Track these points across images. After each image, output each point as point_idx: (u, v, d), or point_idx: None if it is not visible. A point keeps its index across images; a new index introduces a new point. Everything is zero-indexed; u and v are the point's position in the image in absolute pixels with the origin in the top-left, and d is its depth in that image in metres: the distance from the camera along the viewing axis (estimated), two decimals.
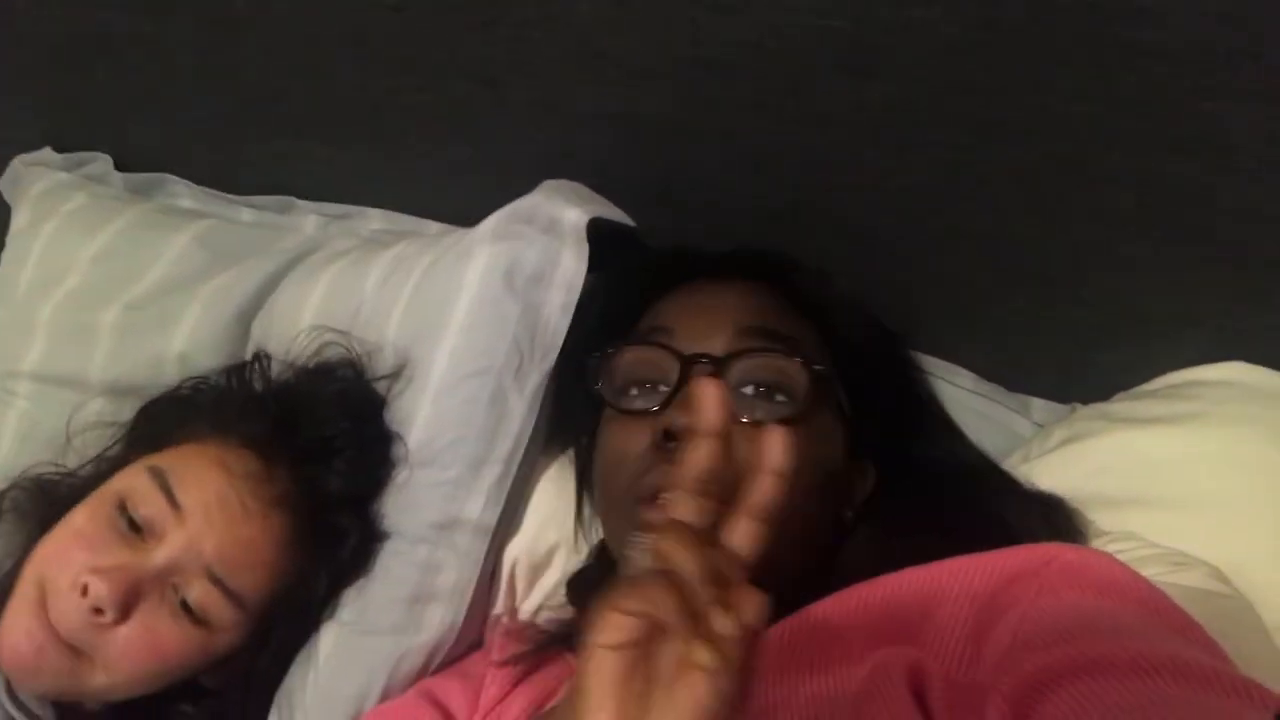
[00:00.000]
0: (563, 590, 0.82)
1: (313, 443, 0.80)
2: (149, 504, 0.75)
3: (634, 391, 0.73)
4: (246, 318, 0.95)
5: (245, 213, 1.07)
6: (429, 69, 0.89)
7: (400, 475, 0.81)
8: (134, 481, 0.77)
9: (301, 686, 0.79)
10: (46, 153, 1.09)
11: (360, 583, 0.80)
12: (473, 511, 0.79)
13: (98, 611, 0.71)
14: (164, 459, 0.78)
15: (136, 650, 0.73)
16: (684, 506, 0.46)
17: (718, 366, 0.70)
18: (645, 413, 0.71)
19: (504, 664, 0.74)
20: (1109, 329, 0.89)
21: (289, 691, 0.80)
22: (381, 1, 0.84)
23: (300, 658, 0.81)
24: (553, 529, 0.83)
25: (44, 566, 0.75)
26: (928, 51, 0.72)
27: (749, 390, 0.70)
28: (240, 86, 0.98)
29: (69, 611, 0.72)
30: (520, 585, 0.83)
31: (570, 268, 0.80)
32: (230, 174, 1.07)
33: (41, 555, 0.76)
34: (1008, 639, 0.52)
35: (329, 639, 0.80)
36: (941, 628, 0.55)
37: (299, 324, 0.89)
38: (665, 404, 0.70)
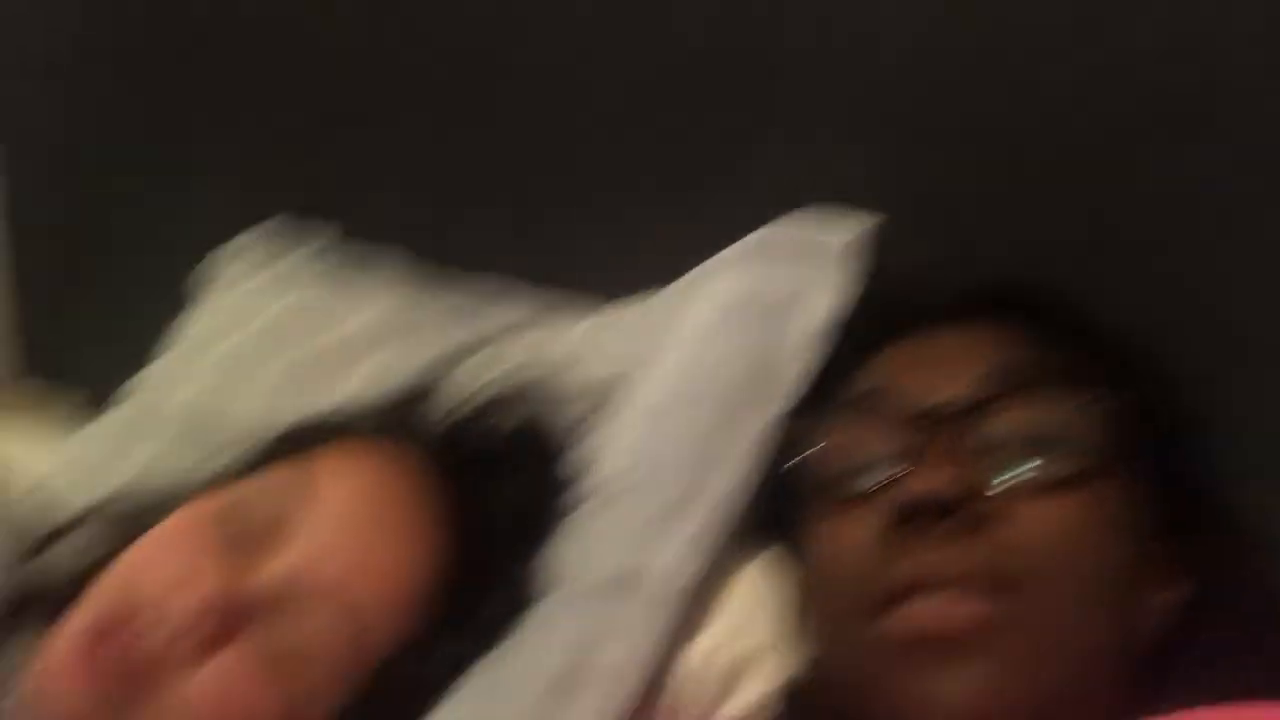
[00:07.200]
0: (769, 709, 0.59)
1: (488, 454, 0.65)
2: (267, 506, 0.59)
3: (847, 475, 0.56)
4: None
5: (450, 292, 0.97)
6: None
7: (581, 510, 0.63)
8: (252, 483, 0.61)
9: None
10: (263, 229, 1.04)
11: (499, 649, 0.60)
12: (662, 563, 0.59)
13: (173, 638, 0.54)
14: (299, 459, 0.63)
15: (200, 706, 0.54)
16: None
17: (959, 420, 0.53)
18: (865, 495, 0.54)
19: None
20: None
21: None
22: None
23: None
24: (763, 623, 0.62)
25: (115, 576, 0.58)
26: None
27: (1008, 449, 0.53)
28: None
29: (137, 633, 0.54)
30: (710, 688, 0.60)
31: (826, 297, 0.66)
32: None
33: (117, 565, 0.59)
34: None
35: None
36: None
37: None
38: (894, 478, 0.53)
